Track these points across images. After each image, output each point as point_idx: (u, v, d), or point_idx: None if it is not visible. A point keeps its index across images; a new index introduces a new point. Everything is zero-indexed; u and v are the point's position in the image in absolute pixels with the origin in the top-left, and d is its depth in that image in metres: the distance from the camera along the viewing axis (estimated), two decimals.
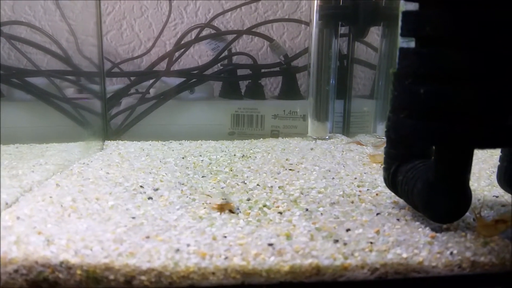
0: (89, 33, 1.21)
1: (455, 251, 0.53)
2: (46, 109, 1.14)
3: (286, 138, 1.12)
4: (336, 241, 0.54)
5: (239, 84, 1.26)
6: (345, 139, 1.05)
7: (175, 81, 1.22)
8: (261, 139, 1.14)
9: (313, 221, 0.59)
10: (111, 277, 0.49)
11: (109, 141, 1.12)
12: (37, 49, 1.21)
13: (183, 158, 0.96)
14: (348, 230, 0.57)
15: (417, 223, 0.60)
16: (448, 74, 0.52)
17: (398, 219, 0.61)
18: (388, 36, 1.07)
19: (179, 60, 1.35)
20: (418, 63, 0.55)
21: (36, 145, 1.06)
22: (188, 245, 0.52)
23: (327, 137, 1.07)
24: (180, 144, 1.11)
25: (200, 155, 0.98)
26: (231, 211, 0.63)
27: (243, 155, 0.97)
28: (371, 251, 0.53)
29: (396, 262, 0.52)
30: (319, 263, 0.51)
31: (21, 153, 0.98)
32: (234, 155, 0.98)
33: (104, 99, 1.14)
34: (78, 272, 0.49)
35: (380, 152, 0.92)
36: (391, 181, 0.64)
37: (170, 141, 1.14)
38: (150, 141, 1.12)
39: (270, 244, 0.53)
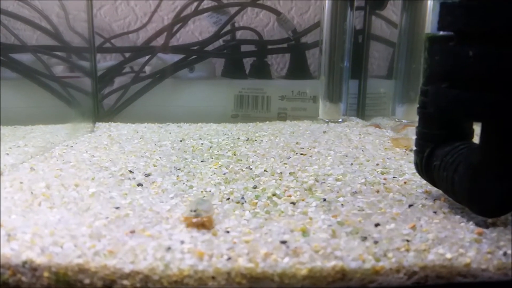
0: (81, 8, 1.11)
1: (509, 251, 0.43)
2: (32, 88, 1.04)
3: (295, 121, 1.02)
4: (364, 238, 0.44)
5: (243, 62, 1.15)
6: (361, 122, 0.95)
7: (173, 58, 1.12)
8: (267, 122, 1.04)
9: (333, 213, 0.49)
10: (86, 281, 0.40)
11: (101, 123, 1.02)
12: (25, 24, 1.10)
13: (181, 141, 0.86)
14: (377, 225, 0.47)
15: (458, 216, 0.50)
16: (506, 32, 0.42)
17: (435, 212, 0.51)
18: (409, 10, 0.96)
19: (177, 36, 1.24)
20: (466, 19, 0.44)
21: (21, 127, 0.96)
22: (182, 242, 0.43)
23: (340, 120, 0.97)
24: (178, 126, 1.01)
25: (200, 138, 0.88)
26: (204, 227, 0.46)
27: (248, 139, 0.87)
28: (407, 250, 0.43)
29: (439, 264, 0.42)
30: (345, 266, 0.41)
31: (3, 135, 0.88)
32: (238, 138, 0.88)
33: (94, 77, 1.03)
34: (46, 274, 0.39)
35: (403, 136, 0.82)
36: (425, 167, 0.54)
37: (168, 123, 1.04)
38: (146, 123, 1.02)
39: (283, 242, 0.43)
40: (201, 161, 0.72)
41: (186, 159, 0.73)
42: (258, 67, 1.14)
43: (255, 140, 0.86)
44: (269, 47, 1.14)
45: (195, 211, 0.47)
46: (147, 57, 1.09)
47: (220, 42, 1.15)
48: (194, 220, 0.46)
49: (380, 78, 1.13)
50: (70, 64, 1.08)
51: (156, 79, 1.09)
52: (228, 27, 1.14)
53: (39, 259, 0.39)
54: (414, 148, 0.56)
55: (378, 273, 0.42)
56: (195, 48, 1.12)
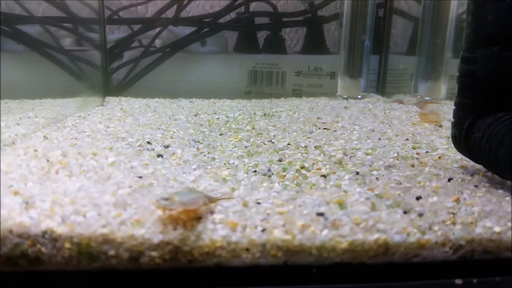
0: None
1: None
2: (40, 61, 1.00)
3: (311, 98, 0.98)
4: (407, 211, 0.41)
5: (256, 36, 1.11)
6: (382, 99, 0.91)
7: (184, 31, 1.08)
8: (282, 98, 1.01)
9: (369, 186, 0.46)
10: (111, 252, 0.37)
11: (110, 97, 0.98)
12: None
13: (195, 115, 0.83)
14: (418, 198, 0.44)
15: (500, 191, 0.47)
16: None
17: (476, 186, 0.48)
18: None
19: (187, 10, 1.20)
20: None
21: (28, 101, 0.93)
22: (212, 212, 0.40)
23: (360, 96, 0.93)
24: (190, 102, 0.98)
25: (215, 113, 0.85)
26: (181, 222, 0.38)
27: (265, 114, 0.84)
28: (453, 223, 0.40)
29: (486, 238, 0.40)
30: (388, 239, 0.39)
31: (10, 108, 0.85)
32: (254, 113, 0.85)
33: (104, 50, 0.99)
34: (67, 245, 0.37)
35: (430, 111, 0.78)
36: (464, 139, 0.51)
37: (179, 98, 1.00)
38: (157, 98, 0.99)
39: (320, 214, 0.40)
40: (220, 135, 0.68)
41: (204, 132, 0.70)
42: (272, 41, 1.10)
43: (273, 115, 0.83)
44: (285, 20, 1.10)
45: (166, 199, 0.38)
46: (157, 30, 1.05)
47: (231, 16, 1.11)
48: (167, 212, 0.38)
49: (400, 54, 1.09)
50: (78, 36, 1.04)
51: (166, 53, 1.05)
52: None
53: (60, 229, 0.36)
54: (445, 121, 0.53)
55: (423, 247, 0.39)
56: (208, 20, 1.08)
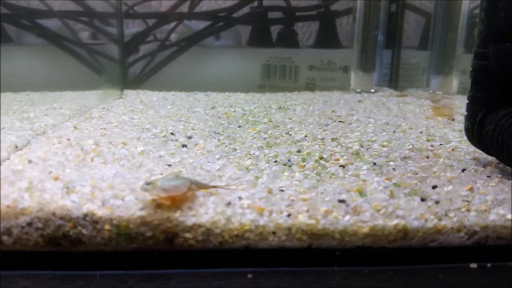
0: None
1: None
2: (59, 55, 1.03)
3: (325, 92, 1.00)
4: (424, 199, 0.43)
5: (270, 30, 1.13)
6: (395, 93, 0.93)
7: (199, 25, 1.10)
8: (296, 92, 1.03)
9: (387, 176, 0.48)
10: (148, 234, 0.40)
11: (128, 90, 1.01)
12: None
13: (212, 108, 0.85)
14: (434, 187, 0.46)
15: None
16: None
17: (489, 176, 0.50)
18: None
19: (200, 5, 1.21)
20: None
21: (48, 93, 0.96)
22: (240, 198, 0.42)
23: (372, 90, 0.95)
24: (206, 95, 1.00)
25: (231, 106, 0.87)
26: (164, 207, 0.40)
27: (280, 107, 0.86)
28: (468, 210, 0.42)
29: (500, 225, 0.42)
30: (407, 224, 0.41)
31: (32, 100, 0.88)
32: (270, 106, 0.87)
33: (121, 44, 1.02)
34: (107, 227, 0.39)
35: (442, 105, 0.80)
36: (477, 132, 0.53)
37: (195, 92, 1.03)
38: (173, 91, 1.02)
39: (342, 201, 0.42)
40: (238, 127, 0.71)
41: (223, 124, 0.72)
42: (285, 35, 1.12)
43: (288, 108, 0.85)
44: (298, 14, 1.11)
45: (148, 184, 0.39)
46: (172, 24, 1.07)
47: (243, 10, 1.13)
48: (149, 196, 0.40)
49: (411, 48, 1.11)
50: (96, 30, 1.06)
51: (181, 47, 1.08)
52: None
53: (101, 212, 0.39)
54: (454, 114, 0.55)
55: (440, 232, 0.41)
56: (222, 14, 1.10)
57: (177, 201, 0.41)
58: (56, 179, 0.42)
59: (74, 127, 0.59)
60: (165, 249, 0.41)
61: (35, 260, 0.41)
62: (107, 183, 0.42)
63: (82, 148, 0.50)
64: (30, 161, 0.46)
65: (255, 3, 1.12)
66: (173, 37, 1.12)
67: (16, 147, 0.52)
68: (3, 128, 0.58)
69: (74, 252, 0.41)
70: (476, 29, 0.53)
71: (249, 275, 0.40)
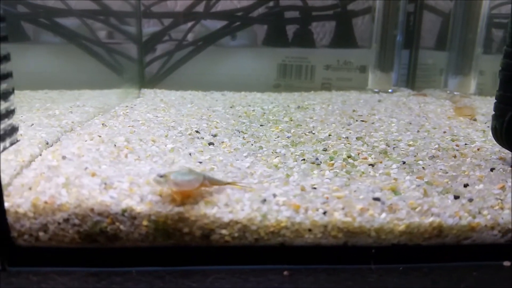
0: None
1: None
2: (77, 53, 1.03)
3: (341, 91, 1.00)
4: (457, 197, 0.44)
5: (286, 30, 1.13)
6: (413, 93, 0.93)
7: (215, 25, 1.10)
8: (312, 92, 1.03)
9: (418, 175, 0.49)
10: (185, 230, 0.40)
11: (145, 89, 1.01)
12: None
13: (231, 107, 0.85)
14: (466, 185, 0.46)
15: None
16: None
17: None
18: None
19: (216, 4, 1.22)
20: None
21: (67, 91, 0.96)
22: (275, 195, 0.43)
23: (390, 90, 0.95)
24: (222, 94, 1.01)
25: (249, 105, 0.87)
26: (174, 201, 0.40)
27: (299, 106, 0.86)
28: (502, 208, 0.42)
29: None
30: (442, 222, 0.41)
31: (52, 98, 0.88)
32: (288, 106, 0.87)
33: (140, 43, 1.02)
34: (145, 223, 0.40)
35: (466, 105, 0.80)
36: (506, 132, 0.53)
37: (211, 91, 1.03)
38: (190, 91, 1.02)
39: (377, 199, 0.42)
40: (260, 125, 0.71)
41: (244, 123, 0.72)
42: (301, 35, 1.12)
43: (307, 108, 0.85)
44: (314, 14, 1.11)
45: (161, 176, 0.40)
46: (189, 24, 1.08)
47: (258, 11, 1.13)
48: (161, 188, 0.40)
49: (427, 49, 1.10)
50: (115, 29, 1.07)
51: (198, 46, 1.08)
52: None
53: (139, 207, 0.39)
54: (475, 115, 0.55)
55: (474, 230, 0.41)
56: (239, 14, 1.10)
57: (189, 197, 0.41)
58: (93, 175, 0.42)
59: (103, 124, 0.60)
60: (201, 245, 0.41)
61: (71, 256, 0.41)
62: (144, 179, 0.42)
63: (115, 145, 0.50)
64: (64, 157, 0.46)
65: (271, 3, 1.12)
66: (190, 36, 1.12)
67: (47, 143, 0.52)
68: (32, 124, 0.58)
69: (111, 249, 0.41)
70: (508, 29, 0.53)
71: (285, 272, 0.40)
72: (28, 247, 0.41)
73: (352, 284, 0.39)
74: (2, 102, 0.42)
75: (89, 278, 0.40)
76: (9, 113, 0.44)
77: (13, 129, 0.44)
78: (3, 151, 0.42)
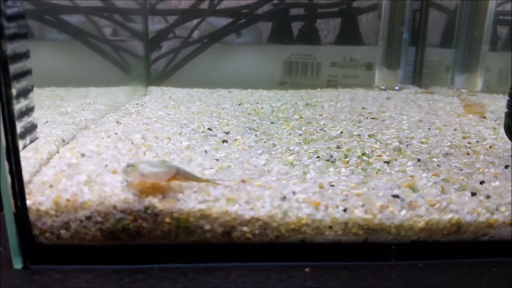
0: None
1: None
2: (83, 51, 1.03)
3: (348, 89, 1.00)
4: (474, 194, 0.44)
5: (291, 27, 1.13)
6: (419, 90, 0.93)
7: (221, 22, 1.10)
8: (318, 89, 1.03)
9: (433, 172, 0.49)
10: (207, 227, 0.40)
11: (152, 86, 1.01)
12: None
13: (239, 105, 0.85)
14: (482, 182, 0.46)
15: None
16: None
17: None
18: None
19: (221, 1, 1.21)
20: None
21: (74, 89, 0.96)
22: (294, 192, 0.43)
23: (397, 87, 0.95)
24: (229, 92, 1.01)
25: (257, 103, 0.87)
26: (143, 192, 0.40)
27: (307, 104, 0.86)
28: None
29: None
30: (461, 218, 0.41)
31: (60, 95, 0.88)
32: (296, 103, 0.87)
33: (146, 40, 1.02)
34: (167, 220, 0.40)
35: (476, 102, 0.81)
36: None
37: (218, 88, 1.03)
38: (196, 88, 1.02)
39: (396, 196, 0.43)
40: (271, 123, 0.71)
41: (255, 120, 0.73)
42: (307, 32, 1.12)
43: (315, 105, 0.85)
44: (320, 10, 1.11)
45: (129, 166, 0.40)
46: (194, 22, 1.08)
47: (263, 8, 1.13)
48: (127, 179, 0.40)
49: (434, 46, 1.11)
50: (121, 26, 1.07)
51: (204, 44, 1.08)
52: None
53: (162, 205, 0.40)
54: (484, 113, 0.55)
55: (492, 226, 0.42)
56: (245, 11, 1.10)
57: (157, 189, 0.40)
58: (114, 172, 0.42)
59: (117, 122, 0.60)
60: (222, 242, 0.41)
61: (92, 254, 0.41)
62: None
63: (132, 142, 0.51)
64: (83, 155, 0.46)
65: (276, 0, 1.12)
66: (195, 34, 1.12)
67: (63, 140, 0.52)
68: (46, 122, 0.58)
69: (132, 246, 0.41)
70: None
71: (306, 269, 0.41)
72: (50, 245, 0.41)
73: (374, 281, 0.39)
74: (22, 100, 0.42)
75: (112, 275, 0.40)
76: (29, 110, 0.44)
77: (33, 127, 0.44)
78: (23, 148, 0.42)
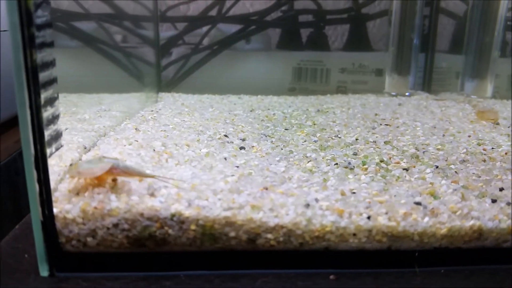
0: None
1: None
2: (95, 57, 1.04)
3: (358, 94, 1.01)
4: (494, 201, 0.44)
5: (300, 34, 1.14)
6: (430, 97, 0.94)
7: (231, 28, 1.11)
8: (328, 95, 1.04)
9: (452, 179, 0.49)
10: (232, 234, 0.41)
11: (162, 93, 1.02)
12: None
13: (251, 111, 0.86)
14: (501, 189, 0.47)
15: None
16: None
17: None
18: None
19: (227, 6, 1.22)
20: None
21: (86, 95, 0.96)
22: (317, 200, 0.43)
23: (407, 93, 0.96)
24: (239, 98, 1.01)
25: (269, 109, 0.88)
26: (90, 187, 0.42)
27: (318, 110, 0.87)
28: None
29: None
30: (482, 225, 0.42)
31: (73, 102, 0.89)
32: (307, 109, 0.88)
33: (158, 47, 1.03)
34: (192, 227, 0.40)
35: (489, 109, 0.81)
36: None
37: (228, 94, 1.04)
38: (206, 94, 1.02)
39: (418, 203, 0.43)
40: (285, 129, 0.72)
41: (268, 127, 0.73)
42: (316, 38, 1.13)
43: (327, 111, 0.86)
44: (328, 17, 1.12)
45: (71, 164, 0.42)
46: (204, 28, 1.09)
47: (272, 16, 1.14)
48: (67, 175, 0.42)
49: (443, 52, 1.11)
50: (132, 33, 1.08)
51: (214, 50, 1.09)
52: None
53: (188, 212, 0.40)
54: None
55: None
56: (254, 18, 1.11)
57: (97, 185, 0.41)
58: (140, 180, 0.43)
59: (136, 129, 0.61)
60: (247, 249, 0.42)
61: (118, 261, 0.42)
62: (188, 184, 0.43)
63: (154, 150, 0.51)
64: None
65: (286, 7, 1.13)
66: (205, 40, 1.13)
67: (85, 148, 0.53)
68: (66, 129, 0.59)
69: (158, 253, 0.42)
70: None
71: (331, 276, 0.41)
72: (76, 253, 0.42)
73: (399, 287, 0.39)
74: (49, 108, 0.43)
75: (139, 282, 0.40)
76: (55, 118, 0.44)
77: (58, 135, 0.45)
78: (49, 156, 0.42)
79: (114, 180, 0.42)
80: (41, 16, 0.40)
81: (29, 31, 0.38)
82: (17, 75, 0.38)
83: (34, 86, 0.39)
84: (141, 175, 0.43)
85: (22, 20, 0.37)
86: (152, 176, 0.43)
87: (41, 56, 0.40)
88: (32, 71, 0.38)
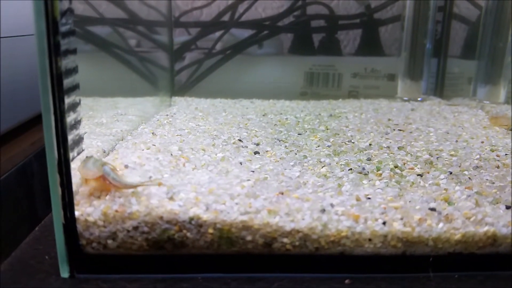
0: None
1: None
2: (110, 61, 1.05)
3: (370, 99, 1.01)
4: (509, 207, 0.45)
5: (312, 38, 1.14)
6: (443, 102, 0.94)
7: (243, 33, 1.12)
8: (340, 100, 1.04)
9: (466, 185, 0.50)
10: (248, 238, 0.41)
11: (175, 97, 1.03)
12: None
13: (263, 115, 0.87)
14: None
15: None
16: None
17: None
18: None
19: (239, 11, 1.23)
20: None
21: (100, 99, 0.98)
22: (332, 205, 0.44)
23: (420, 98, 0.96)
24: (251, 102, 1.02)
25: (281, 113, 0.89)
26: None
27: (331, 115, 0.87)
28: None
29: None
30: (496, 231, 0.42)
31: (88, 105, 0.90)
32: (320, 114, 0.88)
33: (171, 52, 1.04)
34: (210, 231, 0.41)
35: (502, 114, 0.81)
36: None
37: (240, 99, 1.05)
38: (219, 99, 1.04)
39: (433, 209, 0.44)
40: (298, 134, 0.72)
41: (282, 131, 0.74)
42: (328, 43, 1.13)
43: (340, 116, 0.86)
44: (341, 22, 1.13)
45: (88, 157, 0.44)
46: (217, 33, 1.10)
47: (283, 21, 1.14)
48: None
49: (454, 57, 1.11)
50: (146, 37, 1.09)
51: (227, 55, 1.10)
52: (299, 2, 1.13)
53: (206, 216, 0.41)
54: None
55: None
56: (267, 23, 1.12)
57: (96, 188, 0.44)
58: (159, 184, 0.44)
59: (152, 133, 0.62)
60: (263, 253, 0.42)
61: (137, 263, 0.43)
62: (206, 188, 0.44)
63: (171, 154, 0.52)
64: (126, 166, 0.48)
65: (298, 12, 1.14)
66: (218, 45, 1.14)
67: (104, 152, 0.54)
68: (85, 133, 0.60)
69: (177, 255, 0.43)
70: None
71: (347, 281, 0.41)
72: (96, 255, 0.43)
73: None
74: (72, 113, 0.44)
75: (158, 284, 0.41)
76: (77, 123, 0.46)
77: (80, 139, 0.46)
78: (72, 161, 0.43)
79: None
80: (65, 24, 0.42)
81: (55, 39, 0.39)
82: (42, 81, 0.39)
83: (59, 93, 0.40)
84: (127, 187, 0.43)
85: (48, 28, 0.39)
86: (135, 186, 0.43)
87: (65, 63, 0.41)
88: (57, 77, 0.40)
